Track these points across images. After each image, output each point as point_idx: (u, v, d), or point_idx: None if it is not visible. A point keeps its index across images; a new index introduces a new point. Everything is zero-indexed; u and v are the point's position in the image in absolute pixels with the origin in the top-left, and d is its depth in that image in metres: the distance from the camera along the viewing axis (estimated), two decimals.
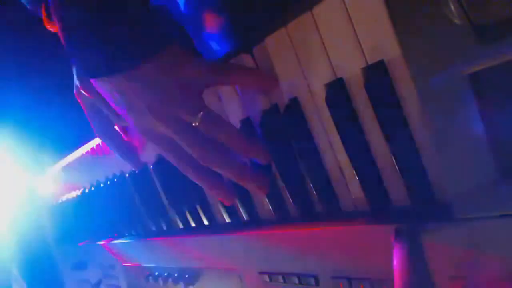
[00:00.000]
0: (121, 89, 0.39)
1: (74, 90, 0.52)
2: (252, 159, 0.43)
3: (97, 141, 0.70)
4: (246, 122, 0.44)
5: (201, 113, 0.39)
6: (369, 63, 0.33)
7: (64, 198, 0.89)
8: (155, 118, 0.39)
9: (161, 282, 0.61)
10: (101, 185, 0.73)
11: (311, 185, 0.40)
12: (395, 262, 0.29)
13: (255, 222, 0.48)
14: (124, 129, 0.55)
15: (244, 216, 0.49)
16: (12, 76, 0.88)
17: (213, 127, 0.40)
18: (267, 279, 0.44)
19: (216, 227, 0.54)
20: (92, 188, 0.76)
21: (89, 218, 0.82)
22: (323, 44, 0.35)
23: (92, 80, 0.41)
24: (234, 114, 0.45)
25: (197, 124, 0.39)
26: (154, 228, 0.66)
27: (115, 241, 0.73)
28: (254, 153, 0.42)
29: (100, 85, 0.41)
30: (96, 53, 0.38)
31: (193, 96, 0.40)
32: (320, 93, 0.37)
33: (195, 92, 0.40)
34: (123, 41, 0.37)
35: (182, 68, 0.39)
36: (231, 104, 0.45)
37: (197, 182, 0.43)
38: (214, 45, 0.69)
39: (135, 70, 0.38)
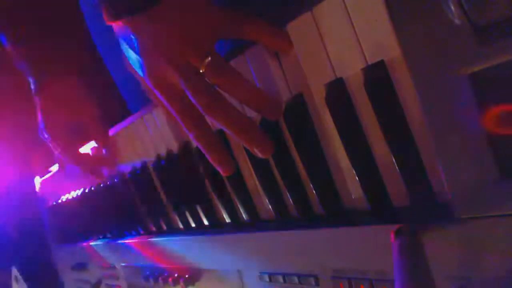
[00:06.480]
0: (138, 30, 0.39)
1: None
2: (261, 113, 0.41)
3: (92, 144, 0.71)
4: None
5: (209, 58, 0.38)
6: (369, 63, 0.33)
7: (64, 198, 0.89)
8: (166, 60, 0.39)
9: (161, 282, 0.61)
10: (101, 185, 0.73)
11: (311, 185, 0.40)
12: (395, 262, 0.29)
13: (255, 222, 0.48)
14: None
15: (244, 216, 0.49)
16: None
17: (219, 74, 0.38)
18: (267, 279, 0.44)
19: (216, 227, 0.54)
20: (92, 188, 0.76)
21: (89, 218, 0.82)
22: (323, 44, 0.35)
23: (114, 25, 0.41)
24: None
25: (203, 70, 0.38)
26: (154, 228, 0.66)
27: (115, 241, 0.73)
28: (262, 104, 0.39)
29: (120, 28, 0.41)
30: None
31: (204, 40, 0.39)
32: (320, 93, 0.37)
33: (207, 36, 0.39)
34: None
35: (200, 9, 0.39)
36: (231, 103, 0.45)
37: (196, 142, 0.42)
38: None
39: (154, 10, 0.38)
